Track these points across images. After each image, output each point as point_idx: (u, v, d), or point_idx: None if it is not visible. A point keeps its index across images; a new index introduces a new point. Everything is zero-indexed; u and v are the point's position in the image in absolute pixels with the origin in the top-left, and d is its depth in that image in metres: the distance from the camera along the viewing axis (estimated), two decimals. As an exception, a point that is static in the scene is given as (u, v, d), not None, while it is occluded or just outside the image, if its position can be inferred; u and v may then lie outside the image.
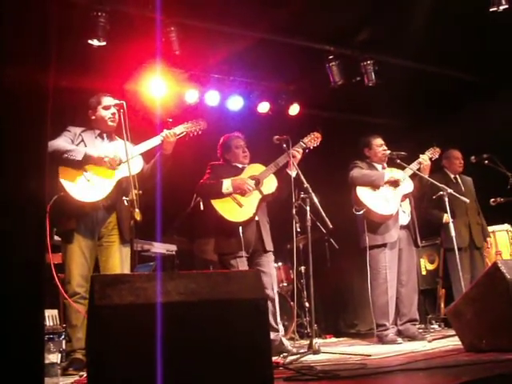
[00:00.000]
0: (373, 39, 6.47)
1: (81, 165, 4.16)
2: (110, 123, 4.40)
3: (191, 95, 6.98)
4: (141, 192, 3.94)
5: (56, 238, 4.79)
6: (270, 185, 5.02)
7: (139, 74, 6.35)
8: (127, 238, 4.15)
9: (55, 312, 4.81)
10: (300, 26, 6.14)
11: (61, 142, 4.22)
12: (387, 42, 6.47)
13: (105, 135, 4.43)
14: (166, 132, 4.42)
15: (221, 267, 5.05)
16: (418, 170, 5.52)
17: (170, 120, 4.57)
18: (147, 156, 4.50)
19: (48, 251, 4.07)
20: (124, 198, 3.92)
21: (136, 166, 4.22)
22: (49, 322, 4.63)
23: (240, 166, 5.17)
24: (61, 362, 4.27)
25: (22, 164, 1.82)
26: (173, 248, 6.10)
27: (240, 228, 4.80)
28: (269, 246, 5.00)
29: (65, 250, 4.22)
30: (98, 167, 4.23)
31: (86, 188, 4.15)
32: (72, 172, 4.17)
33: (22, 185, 1.79)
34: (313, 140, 5.21)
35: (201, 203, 6.20)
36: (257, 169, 5.09)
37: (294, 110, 7.66)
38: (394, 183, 5.46)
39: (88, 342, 2.67)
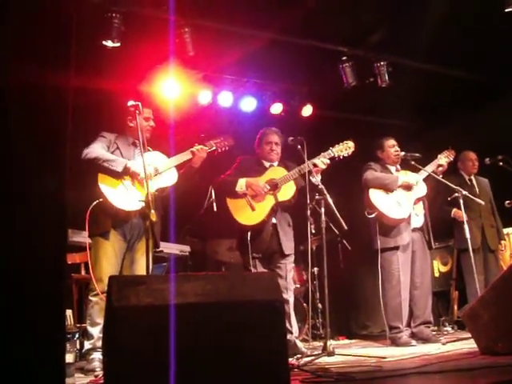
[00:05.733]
0: (387, 40, 6.44)
1: (120, 176, 4.30)
2: (147, 135, 4.52)
3: (204, 96, 7.00)
4: (156, 193, 4.02)
5: (77, 239, 4.87)
6: (287, 192, 4.93)
7: (153, 75, 6.37)
8: (158, 244, 4.22)
9: (69, 312, 4.85)
10: (313, 27, 6.12)
11: (101, 150, 4.36)
12: (401, 44, 6.44)
13: (138, 144, 4.48)
14: (197, 147, 4.59)
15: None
16: (434, 171, 5.49)
17: (203, 135, 4.76)
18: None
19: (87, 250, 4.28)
20: (139, 199, 3.94)
21: (171, 177, 4.48)
22: (64, 322, 4.66)
23: (267, 164, 5.15)
24: (75, 361, 4.29)
25: (41, 164, 1.82)
26: (186, 249, 6.11)
27: (248, 231, 4.80)
28: (287, 249, 4.97)
29: (98, 249, 4.28)
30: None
31: (124, 196, 4.27)
32: (112, 179, 4.30)
33: (41, 185, 1.79)
34: (344, 149, 5.07)
35: (214, 204, 6.21)
36: (278, 172, 5.02)
37: (307, 111, 7.65)
38: (407, 187, 5.44)
39: (105, 342, 2.67)
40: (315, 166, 4.89)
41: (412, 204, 5.44)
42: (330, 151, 5.02)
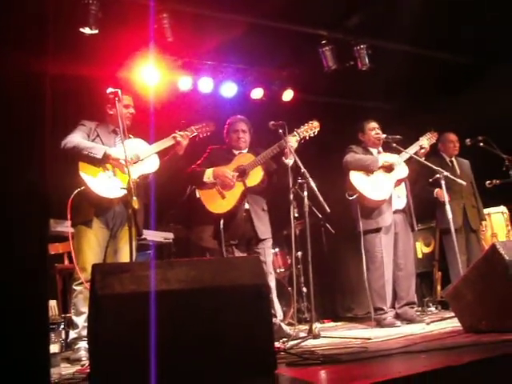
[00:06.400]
0: (366, 23, 6.43)
1: (100, 162, 4.28)
2: (127, 122, 4.48)
3: (184, 82, 6.96)
4: (138, 180, 4.01)
5: (59, 229, 4.84)
6: (255, 177, 4.96)
7: (132, 62, 6.30)
8: (140, 232, 4.21)
9: (54, 302, 4.83)
10: (293, 11, 6.08)
11: (80, 139, 4.34)
12: (381, 26, 6.43)
13: (118, 131, 4.45)
14: (179, 133, 4.60)
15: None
16: (416, 153, 5.51)
17: (183, 121, 4.76)
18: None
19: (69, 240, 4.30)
20: (121, 187, 3.93)
21: (153, 164, 4.47)
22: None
23: (236, 152, 5.16)
24: (60, 351, 4.28)
25: (21, 154, 1.79)
26: (170, 236, 6.10)
27: (221, 219, 4.81)
28: (263, 234, 4.98)
29: (80, 238, 4.28)
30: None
31: (106, 183, 4.26)
32: (93, 167, 4.28)
33: (22, 176, 1.77)
34: (309, 129, 5.07)
35: (196, 191, 6.19)
36: (246, 158, 5.03)
37: (288, 95, 7.65)
38: (389, 168, 5.45)
39: (90, 331, 2.66)
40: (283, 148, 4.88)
41: (393, 185, 5.45)
42: (294, 133, 5.01)
